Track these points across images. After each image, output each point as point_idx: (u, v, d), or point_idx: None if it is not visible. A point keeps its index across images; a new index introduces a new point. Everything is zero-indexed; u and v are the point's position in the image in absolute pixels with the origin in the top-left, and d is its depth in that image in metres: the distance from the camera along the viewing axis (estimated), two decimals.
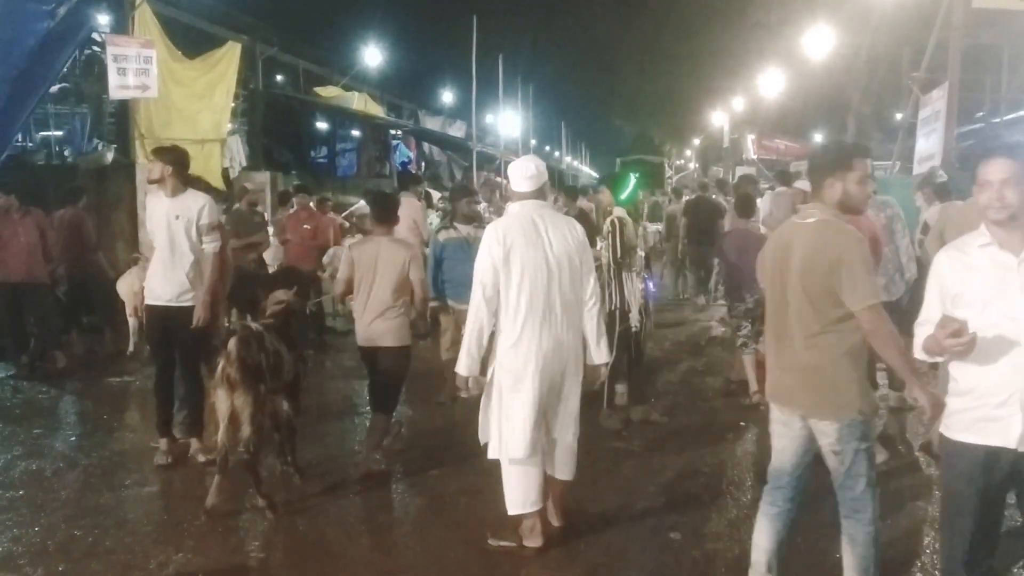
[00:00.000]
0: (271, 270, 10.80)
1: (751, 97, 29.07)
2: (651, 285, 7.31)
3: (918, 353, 3.12)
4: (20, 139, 22.72)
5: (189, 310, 5.78)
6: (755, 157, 27.32)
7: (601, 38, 38.07)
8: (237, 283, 9.53)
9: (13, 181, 9.26)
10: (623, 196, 7.36)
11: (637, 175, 8.49)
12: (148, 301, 5.99)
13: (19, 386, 8.18)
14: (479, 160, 24.96)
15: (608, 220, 7.15)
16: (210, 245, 5.86)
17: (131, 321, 9.61)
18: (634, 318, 7.11)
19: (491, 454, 4.50)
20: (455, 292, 7.02)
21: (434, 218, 13.07)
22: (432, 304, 7.17)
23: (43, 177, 12.44)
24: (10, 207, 8.59)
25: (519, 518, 4.49)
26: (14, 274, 8.53)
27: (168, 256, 5.81)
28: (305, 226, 10.56)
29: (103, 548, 4.54)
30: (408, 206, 11.26)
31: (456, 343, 6.32)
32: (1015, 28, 11.84)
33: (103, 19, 15.34)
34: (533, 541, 4.51)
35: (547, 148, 56.86)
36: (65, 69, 18.87)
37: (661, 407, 7.25)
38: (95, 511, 5.06)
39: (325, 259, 10.95)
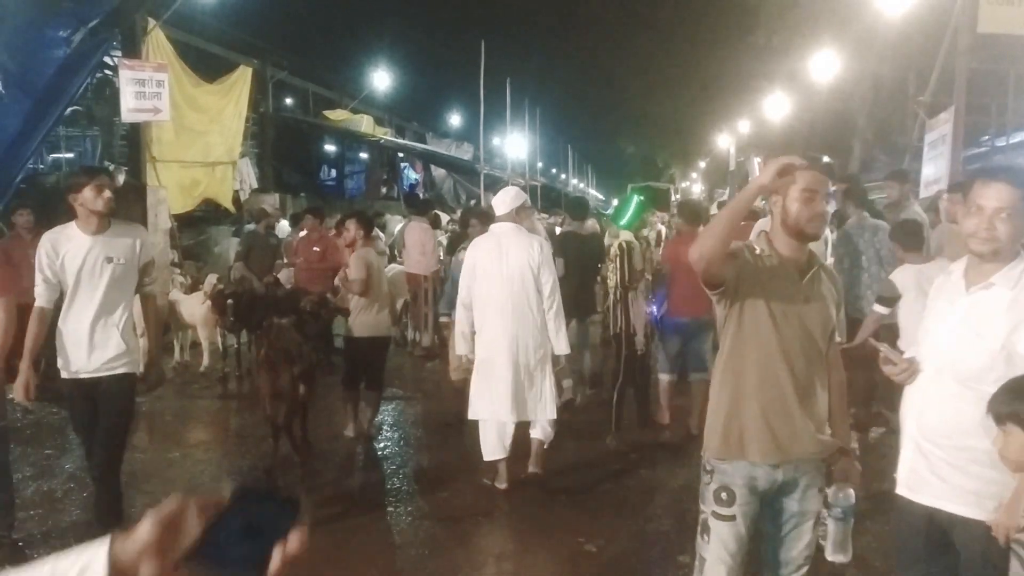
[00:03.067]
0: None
1: (757, 120, 29.16)
2: (655, 309, 7.37)
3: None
4: (32, 161, 22.97)
5: (125, 379, 4.67)
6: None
7: (608, 61, 38.24)
8: (247, 305, 9.63)
9: (25, 202, 9.37)
10: (624, 221, 7.44)
11: (641, 200, 8.61)
12: (67, 374, 4.65)
13: (29, 407, 8.20)
14: (486, 182, 25.03)
15: (616, 244, 7.24)
16: (150, 287, 4.90)
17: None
18: (639, 342, 7.16)
19: (469, 416, 5.79)
20: None
21: (443, 239, 13.15)
22: (442, 319, 7.39)
23: (54, 198, 12.53)
24: (27, 227, 8.69)
25: (493, 463, 5.72)
26: (24, 296, 8.57)
27: (95, 311, 4.59)
28: (315, 248, 10.62)
29: None
30: (419, 231, 11.38)
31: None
32: (1021, 52, 11.90)
33: (116, 43, 15.49)
34: (501, 483, 5.75)
35: (554, 171, 57.04)
36: (79, 91, 19.17)
37: (670, 429, 7.27)
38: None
39: (337, 280, 11.01)
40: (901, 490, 2.82)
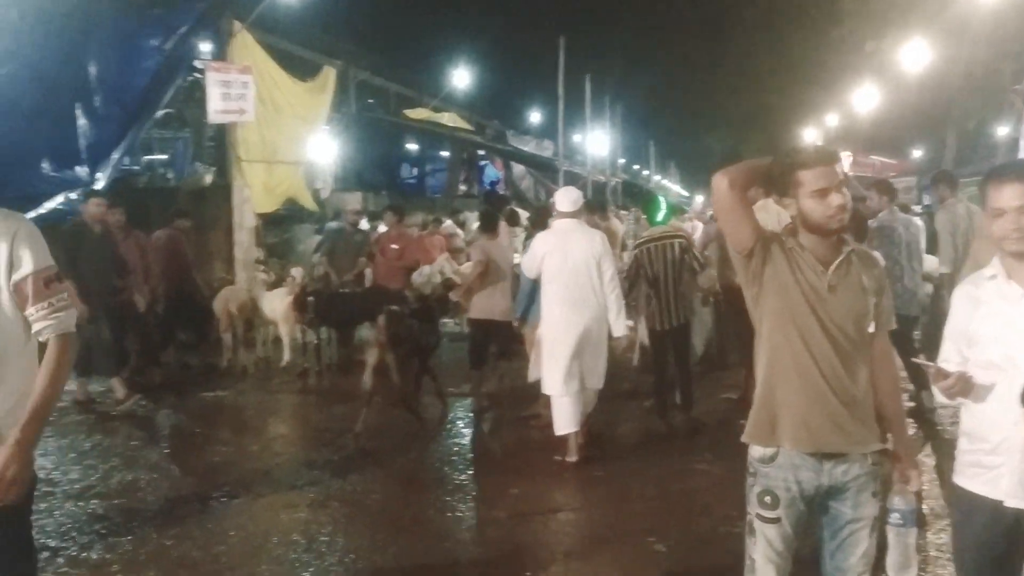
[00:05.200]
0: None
1: (845, 113, 28.41)
2: None
3: (939, 396, 2.89)
4: (125, 162, 23.82)
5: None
6: (851, 174, 26.62)
7: (691, 55, 37.76)
8: (327, 302, 9.82)
9: (117, 203, 9.72)
10: (659, 218, 7.63)
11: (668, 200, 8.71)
12: None
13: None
14: (566, 179, 24.97)
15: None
16: (46, 322, 2.60)
17: (225, 337, 9.97)
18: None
19: (543, 391, 6.50)
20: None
21: (522, 235, 13.15)
22: (515, 321, 7.68)
23: (145, 199, 12.99)
24: (118, 225, 9.02)
25: (564, 438, 6.32)
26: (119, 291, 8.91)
27: None
28: (393, 246, 10.75)
29: (191, 559, 4.70)
30: None
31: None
32: None
33: (204, 47, 15.95)
34: (571, 457, 6.31)
35: (636, 167, 56.53)
36: (169, 96, 19.82)
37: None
38: (185, 522, 5.25)
39: (414, 277, 11.14)
40: (1011, 501, 2.71)
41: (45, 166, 11.19)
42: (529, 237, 10.76)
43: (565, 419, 6.33)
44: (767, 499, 2.79)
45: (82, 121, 11.42)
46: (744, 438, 2.89)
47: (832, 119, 30.20)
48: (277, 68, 14.01)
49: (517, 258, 8.81)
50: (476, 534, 5.25)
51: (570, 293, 6.26)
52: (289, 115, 14.20)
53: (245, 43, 13.12)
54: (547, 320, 6.41)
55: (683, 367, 7.48)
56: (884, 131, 27.32)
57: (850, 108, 26.83)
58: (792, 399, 2.77)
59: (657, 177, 57.21)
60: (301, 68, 15.98)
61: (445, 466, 6.60)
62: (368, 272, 11.06)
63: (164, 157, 28.44)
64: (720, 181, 2.79)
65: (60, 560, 4.66)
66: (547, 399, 6.69)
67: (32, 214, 9.45)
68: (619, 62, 39.89)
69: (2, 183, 10.19)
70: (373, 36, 23.75)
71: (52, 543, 4.87)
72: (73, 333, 2.70)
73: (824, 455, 2.75)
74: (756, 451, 2.84)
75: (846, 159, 27.70)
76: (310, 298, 9.65)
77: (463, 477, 6.33)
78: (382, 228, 13.52)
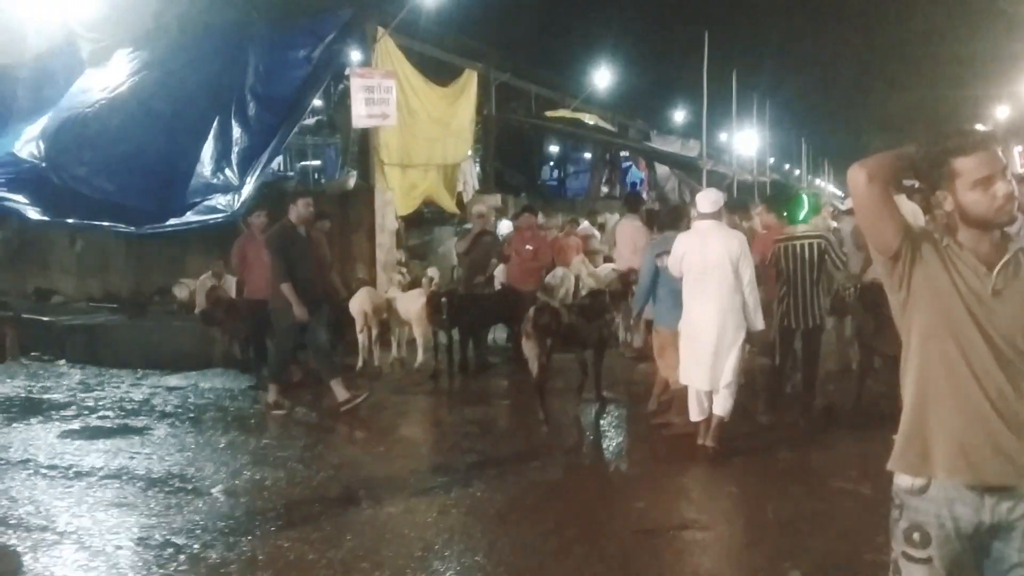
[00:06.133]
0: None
1: (1017, 104, 26.40)
2: None
3: None
4: (279, 167, 24.86)
5: None
6: (1022, 171, 24.70)
7: (845, 47, 36.12)
8: (460, 304, 9.80)
9: (265, 206, 10.04)
10: (801, 216, 7.72)
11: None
12: None
13: (257, 397, 8.78)
14: (711, 180, 24.27)
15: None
16: None
17: (360, 338, 10.10)
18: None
19: (680, 381, 6.72)
20: (667, 316, 7.15)
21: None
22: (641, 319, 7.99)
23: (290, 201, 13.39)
24: (260, 227, 9.29)
25: (696, 424, 6.61)
26: (258, 292, 9.18)
27: None
28: (527, 246, 10.63)
29: (307, 561, 4.68)
30: (630, 228, 11.11)
31: (678, 367, 6.83)
32: None
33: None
34: (708, 441, 6.53)
35: (786, 166, 54.56)
36: (321, 103, 20.50)
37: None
38: (304, 523, 5.25)
39: (548, 278, 10.99)
40: None
41: (203, 173, 11.71)
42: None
43: (697, 408, 6.60)
44: (916, 536, 2.42)
45: (236, 130, 11.89)
46: (890, 465, 2.53)
47: (1002, 111, 28.11)
48: (415, 72, 14.19)
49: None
50: (596, 550, 5.01)
51: (706, 291, 6.43)
52: (423, 118, 14.35)
53: (387, 48, 13.36)
54: (686, 317, 6.60)
55: (811, 369, 7.52)
56: None
57: (1022, 99, 24.92)
58: (948, 422, 2.40)
59: (809, 176, 55.03)
60: (443, 71, 16.10)
61: (569, 475, 6.41)
62: (497, 273, 10.99)
63: (317, 163, 29.60)
64: (857, 174, 2.46)
65: (182, 557, 4.74)
66: (680, 406, 6.86)
67: (190, 217, 9.92)
68: (768, 56, 38.53)
69: (166, 191, 10.68)
70: (514, 38, 23.79)
71: (178, 540, 4.96)
72: None
73: (986, 488, 2.36)
74: (904, 481, 2.48)
75: (1017, 155, 25.79)
76: (444, 299, 9.65)
77: (587, 488, 6.12)
78: (503, 228, 13.50)
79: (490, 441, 7.04)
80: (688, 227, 8.11)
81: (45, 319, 11.81)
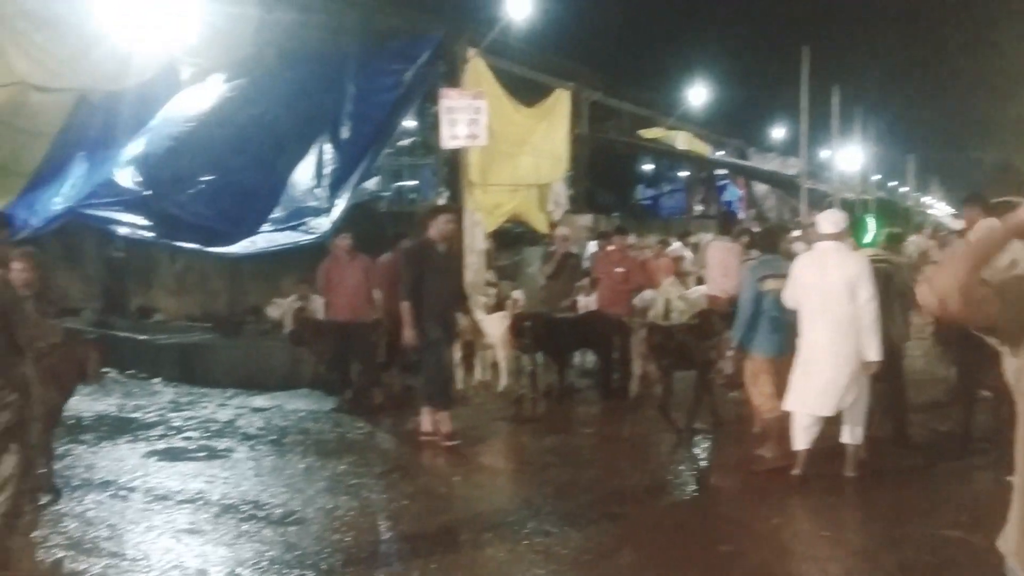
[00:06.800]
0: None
1: None
2: None
3: None
4: (373, 187, 25.19)
5: None
6: None
7: (952, 59, 34.62)
8: (544, 329, 9.57)
9: (356, 227, 10.08)
10: (866, 239, 7.67)
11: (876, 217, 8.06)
12: None
13: (339, 419, 8.73)
14: (812, 198, 23.51)
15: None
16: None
17: None
18: None
19: (787, 406, 6.42)
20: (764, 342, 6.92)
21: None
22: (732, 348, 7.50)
23: (383, 222, 13.49)
24: (345, 249, 9.30)
25: (791, 456, 6.40)
26: (341, 314, 9.20)
27: None
28: (617, 268, 10.34)
29: None
30: (722, 250, 10.73)
31: (773, 396, 6.69)
32: None
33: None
34: (798, 470, 6.35)
35: (892, 183, 52.64)
36: (416, 123, 20.70)
37: None
38: (370, 555, 5.18)
39: (636, 301, 10.69)
40: None
41: (296, 195, 11.88)
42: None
43: (801, 435, 6.39)
44: None
45: (329, 152, 12.03)
46: (1000, 545, 2.22)
47: None
48: (504, 92, 14.09)
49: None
50: None
51: (825, 314, 6.26)
52: (510, 138, 14.23)
53: (478, 69, 13.32)
54: (803, 340, 6.42)
55: (895, 400, 7.32)
56: None
57: None
58: None
59: (916, 194, 53.00)
60: (534, 91, 16.00)
61: (647, 514, 6.12)
62: (580, 298, 10.72)
63: (413, 183, 29.89)
64: (928, 301, 2.07)
65: None
66: (773, 439, 6.72)
67: (284, 238, 10.07)
68: (871, 71, 37.31)
69: (261, 215, 10.83)
70: (607, 56, 23.62)
71: (244, 572, 4.88)
72: None
73: None
74: (1016, 571, 2.17)
75: None
76: (527, 323, 9.47)
77: (665, 527, 5.82)
78: (592, 249, 13.24)
79: (569, 473, 6.80)
80: (788, 249, 7.94)
81: (141, 337, 12.13)
